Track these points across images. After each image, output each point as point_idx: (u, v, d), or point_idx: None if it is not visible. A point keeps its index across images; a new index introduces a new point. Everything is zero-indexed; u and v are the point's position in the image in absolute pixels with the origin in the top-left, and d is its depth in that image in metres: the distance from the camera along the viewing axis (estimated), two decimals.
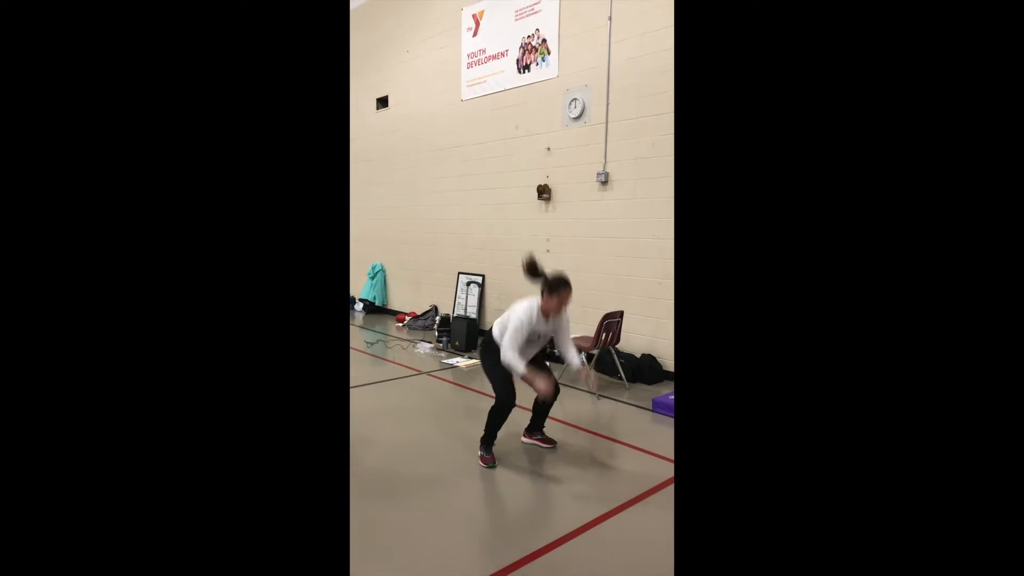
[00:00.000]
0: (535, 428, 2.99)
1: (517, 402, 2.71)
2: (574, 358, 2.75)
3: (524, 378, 2.58)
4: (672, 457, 2.89)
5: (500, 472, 2.68)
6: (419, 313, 6.53)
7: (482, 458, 2.75)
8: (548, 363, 3.02)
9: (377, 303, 7.31)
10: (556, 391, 2.78)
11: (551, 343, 2.92)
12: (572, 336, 2.83)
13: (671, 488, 2.56)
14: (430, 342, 5.53)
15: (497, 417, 2.72)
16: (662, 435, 3.23)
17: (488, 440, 2.77)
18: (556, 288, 2.60)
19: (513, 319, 2.61)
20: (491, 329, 2.80)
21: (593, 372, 2.83)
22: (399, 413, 3.57)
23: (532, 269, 2.64)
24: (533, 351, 2.76)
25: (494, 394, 2.75)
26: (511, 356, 2.55)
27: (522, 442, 3.02)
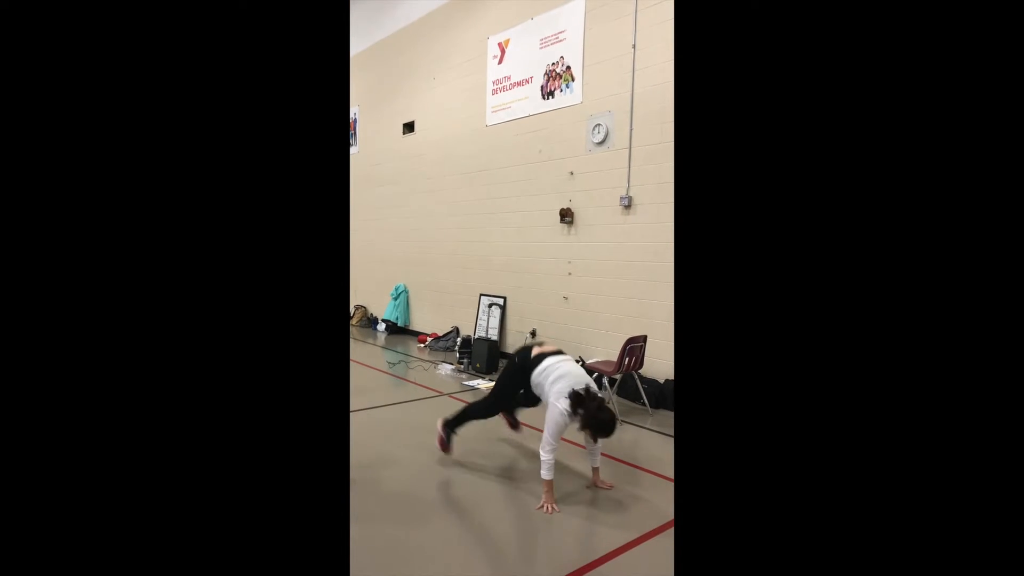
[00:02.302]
0: (509, 410, 3.19)
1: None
2: (596, 460, 2.76)
3: (543, 483, 2.54)
4: None
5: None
6: (441, 334, 6.56)
7: (440, 439, 2.95)
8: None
9: (400, 324, 7.36)
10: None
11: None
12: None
13: None
14: (451, 363, 5.53)
15: (474, 415, 2.91)
16: None
17: (453, 424, 2.95)
18: (586, 423, 2.48)
19: (550, 419, 2.52)
20: (528, 352, 2.80)
21: (608, 485, 2.82)
22: (420, 434, 3.56)
23: (580, 400, 2.51)
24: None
25: (488, 396, 2.94)
26: (546, 456, 2.52)
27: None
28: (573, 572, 2.03)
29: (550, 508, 2.50)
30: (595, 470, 2.77)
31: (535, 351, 2.79)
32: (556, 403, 2.51)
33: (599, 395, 2.55)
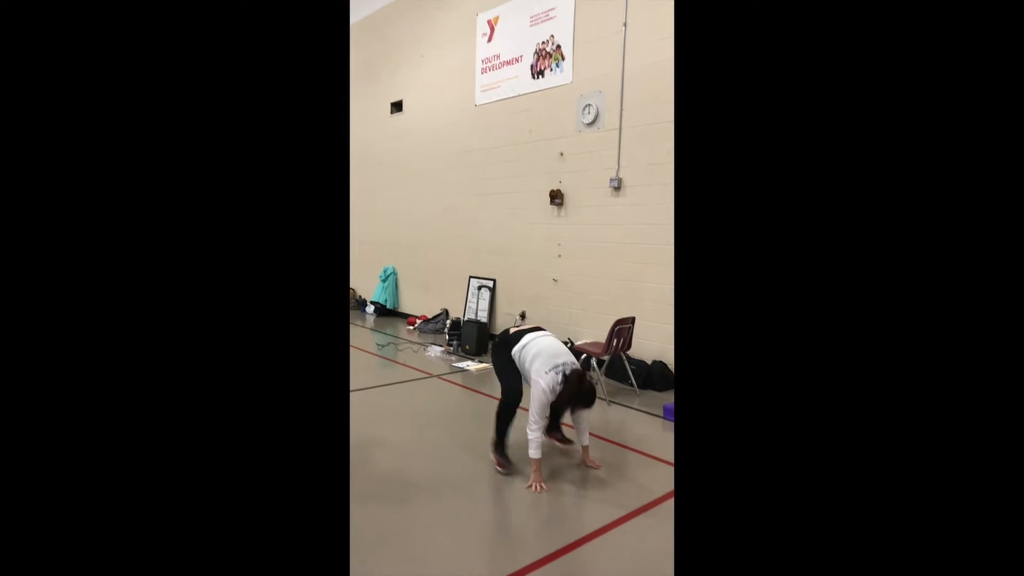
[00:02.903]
0: (552, 427, 3.00)
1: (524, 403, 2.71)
2: (584, 438, 2.78)
3: (531, 462, 2.56)
4: None
5: (504, 478, 2.68)
6: (430, 316, 6.55)
7: (497, 462, 2.73)
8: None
9: (388, 306, 7.34)
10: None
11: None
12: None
13: None
14: (440, 345, 5.54)
15: (504, 417, 2.73)
16: (672, 442, 3.21)
17: (500, 444, 2.76)
18: (570, 402, 2.58)
19: (534, 396, 2.54)
20: (507, 330, 2.83)
21: (597, 464, 2.84)
22: (410, 415, 3.58)
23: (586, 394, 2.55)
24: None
25: (501, 393, 2.78)
26: (532, 433, 2.53)
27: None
28: (561, 549, 2.06)
29: (538, 487, 2.53)
30: (584, 449, 2.80)
31: (512, 330, 2.86)
32: (538, 380, 2.54)
33: (577, 367, 2.60)
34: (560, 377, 2.53)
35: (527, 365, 2.65)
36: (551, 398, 2.53)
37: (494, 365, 2.89)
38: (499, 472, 2.69)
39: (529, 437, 2.55)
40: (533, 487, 2.54)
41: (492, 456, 2.77)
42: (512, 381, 2.73)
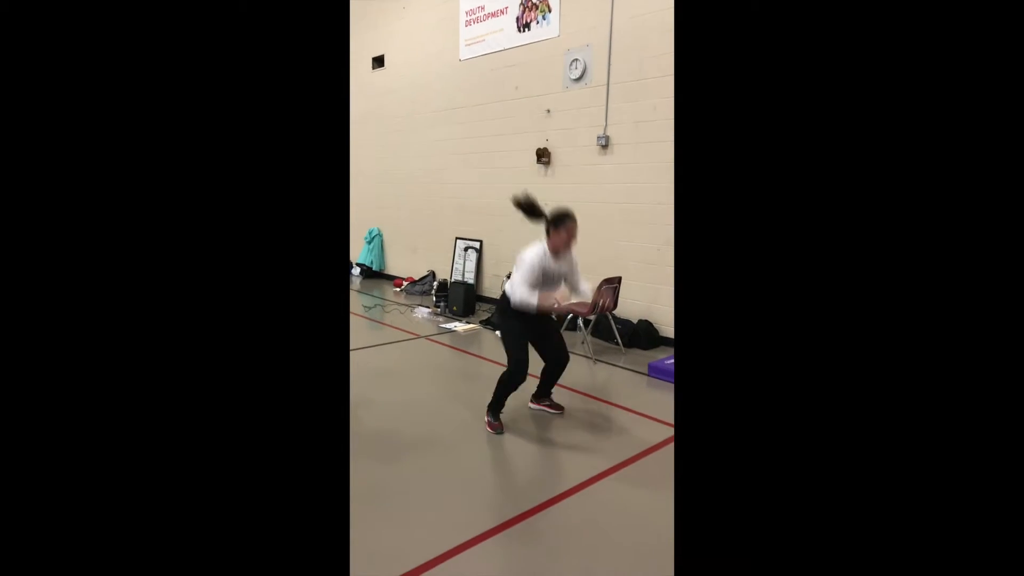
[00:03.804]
0: (543, 394, 2.99)
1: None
2: (586, 290, 2.78)
3: (541, 309, 2.51)
4: (667, 420, 2.94)
5: (495, 436, 2.72)
6: (417, 278, 6.53)
7: (489, 424, 2.75)
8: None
9: (374, 268, 7.29)
10: (565, 359, 2.78)
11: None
12: (569, 302, 2.79)
13: (665, 450, 2.61)
14: (428, 307, 5.54)
15: (507, 385, 2.68)
16: (657, 399, 3.28)
17: (496, 406, 2.76)
18: (562, 221, 2.54)
19: (523, 264, 2.56)
20: (504, 293, 2.74)
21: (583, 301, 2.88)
22: (398, 375, 3.60)
23: (532, 208, 2.56)
24: (549, 292, 2.67)
25: (507, 361, 2.70)
26: (523, 292, 2.50)
27: (530, 408, 3.03)
28: (551, 499, 2.12)
29: (555, 298, 2.56)
30: (587, 293, 2.79)
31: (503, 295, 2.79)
32: (524, 255, 2.56)
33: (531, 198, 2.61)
34: (542, 245, 2.56)
35: (512, 289, 2.59)
36: (543, 255, 2.54)
37: (500, 332, 2.81)
38: (489, 432, 2.73)
39: (522, 297, 2.50)
40: (558, 302, 2.57)
41: (486, 417, 2.80)
42: (519, 351, 2.63)
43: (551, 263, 2.60)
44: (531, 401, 3.04)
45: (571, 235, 2.57)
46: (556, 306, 2.56)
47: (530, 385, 2.97)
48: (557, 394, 3.06)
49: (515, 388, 2.69)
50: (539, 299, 2.49)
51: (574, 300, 2.81)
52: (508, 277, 5.44)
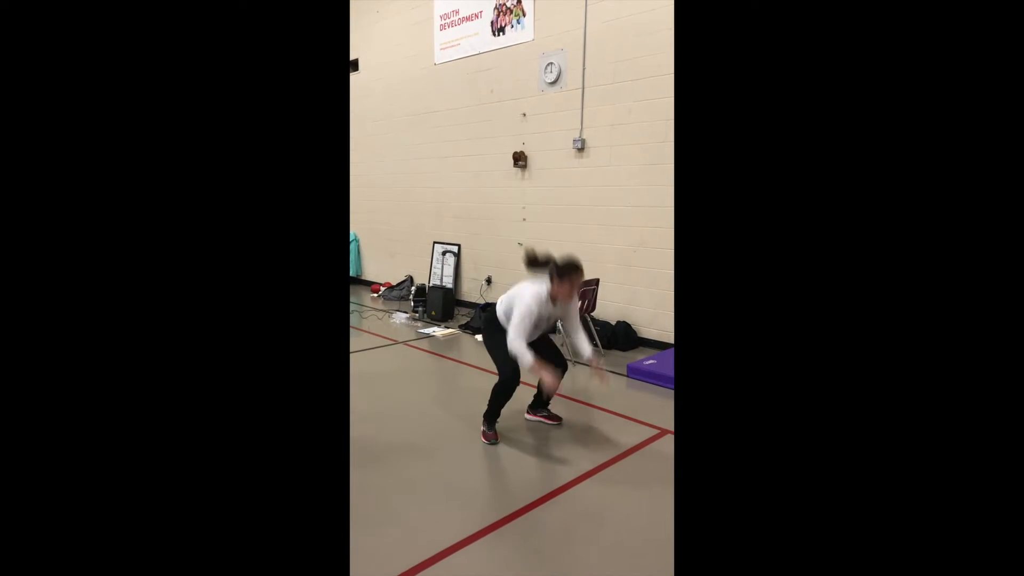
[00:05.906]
0: (539, 405, 2.92)
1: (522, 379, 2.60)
2: (586, 348, 2.60)
3: (531, 370, 2.42)
4: (647, 421, 2.95)
5: (476, 439, 2.71)
6: (394, 283, 6.47)
7: (484, 434, 2.69)
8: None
9: (351, 273, 7.20)
10: (563, 370, 2.72)
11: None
12: (555, 377, 2.68)
13: (645, 450, 2.62)
14: (406, 312, 5.49)
15: (501, 395, 2.61)
16: (637, 400, 3.29)
17: (491, 416, 2.69)
18: (567, 273, 2.45)
19: (519, 304, 2.47)
20: (494, 305, 2.70)
21: (606, 371, 2.64)
22: (376, 382, 3.55)
23: (534, 261, 2.50)
24: (538, 334, 2.66)
25: (497, 372, 2.63)
26: (518, 346, 2.42)
27: (526, 419, 2.96)
28: (535, 500, 2.11)
29: (548, 376, 2.40)
30: (595, 357, 2.59)
31: (492, 306, 2.77)
32: (523, 294, 2.49)
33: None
34: (543, 288, 2.48)
35: (511, 304, 2.54)
36: (541, 301, 2.46)
37: (486, 344, 2.72)
38: (484, 443, 2.66)
39: (517, 351, 2.42)
40: (546, 381, 2.40)
41: (482, 427, 2.72)
42: (509, 359, 2.53)
43: (548, 308, 2.54)
44: (527, 412, 2.98)
45: (574, 288, 2.51)
46: (542, 377, 2.44)
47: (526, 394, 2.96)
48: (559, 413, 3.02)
49: (509, 396, 2.62)
50: (532, 364, 2.40)
51: (582, 349, 2.64)
52: (488, 282, 5.43)
